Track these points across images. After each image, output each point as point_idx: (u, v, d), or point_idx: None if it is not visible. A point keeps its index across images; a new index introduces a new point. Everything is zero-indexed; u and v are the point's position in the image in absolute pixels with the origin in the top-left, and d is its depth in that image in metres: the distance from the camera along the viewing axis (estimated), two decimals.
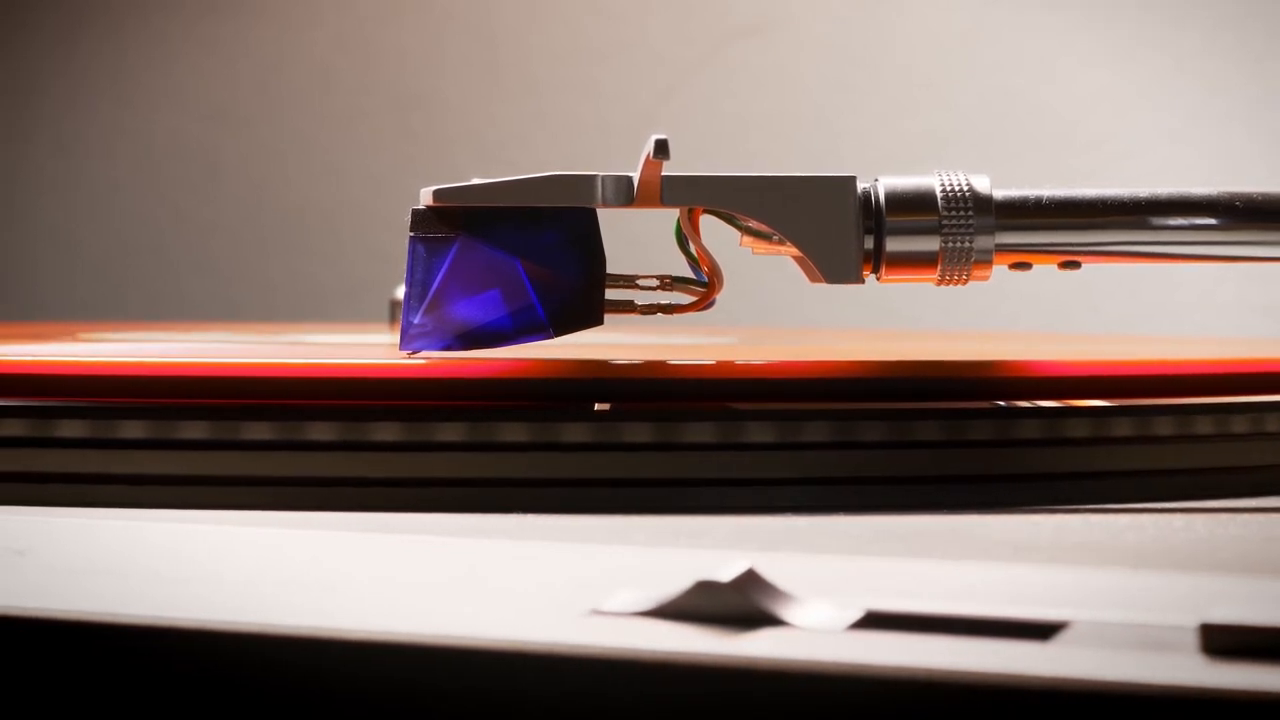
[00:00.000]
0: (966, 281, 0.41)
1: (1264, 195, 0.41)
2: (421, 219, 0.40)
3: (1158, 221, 0.41)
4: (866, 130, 0.93)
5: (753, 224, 0.41)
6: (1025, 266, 0.41)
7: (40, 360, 0.40)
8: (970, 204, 0.40)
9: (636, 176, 0.40)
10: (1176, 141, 0.88)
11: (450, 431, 0.39)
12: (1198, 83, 0.88)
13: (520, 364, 0.40)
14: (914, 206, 0.40)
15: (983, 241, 0.40)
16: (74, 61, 1.06)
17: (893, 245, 0.40)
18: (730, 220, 0.41)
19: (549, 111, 0.98)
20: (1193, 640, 0.26)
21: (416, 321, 0.40)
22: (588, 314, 0.41)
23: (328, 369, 0.39)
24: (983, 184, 0.41)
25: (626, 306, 0.41)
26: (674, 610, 0.28)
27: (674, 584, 0.29)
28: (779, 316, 0.93)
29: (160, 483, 0.39)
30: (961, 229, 0.40)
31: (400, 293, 0.41)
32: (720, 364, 0.41)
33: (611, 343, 0.54)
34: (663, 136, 0.39)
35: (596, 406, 0.40)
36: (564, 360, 0.40)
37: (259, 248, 1.04)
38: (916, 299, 0.91)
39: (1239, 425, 0.42)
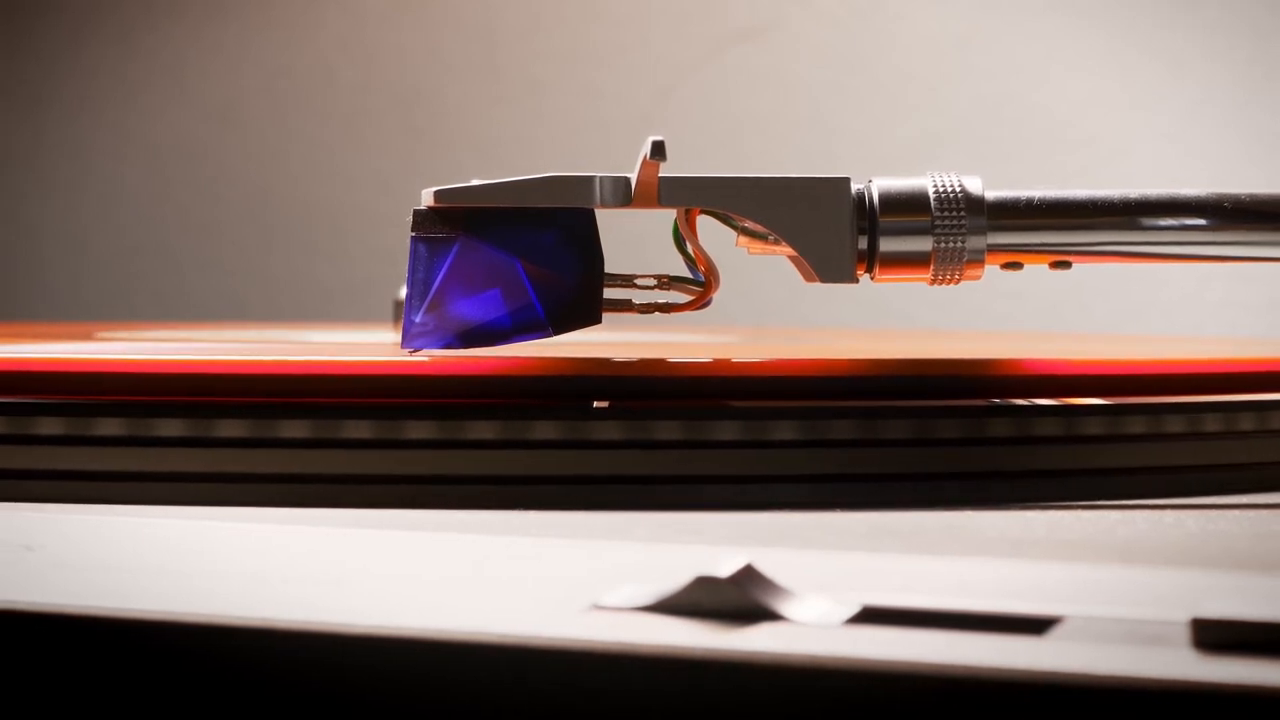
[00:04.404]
0: (959, 281, 0.41)
1: (1252, 196, 0.41)
2: (423, 219, 0.40)
3: (1148, 222, 0.41)
4: (861, 132, 0.93)
5: (749, 224, 0.41)
6: (1017, 266, 0.41)
7: (37, 359, 0.41)
8: (962, 205, 0.41)
9: (634, 178, 0.40)
10: (1168, 142, 0.88)
11: (447, 429, 0.39)
12: (1188, 86, 0.88)
13: (519, 362, 0.40)
14: (907, 207, 0.41)
15: (975, 242, 0.41)
16: (82, 65, 1.06)
17: (886, 245, 0.41)
18: (726, 221, 0.41)
19: (549, 112, 0.98)
20: (1184, 635, 0.27)
21: (418, 320, 0.40)
22: (586, 313, 0.41)
23: (345, 367, 0.40)
24: (975, 185, 0.41)
25: (625, 305, 0.42)
26: (673, 605, 0.28)
27: (673, 579, 0.29)
28: (775, 315, 0.93)
29: (170, 480, 0.39)
30: (954, 229, 0.41)
31: (403, 292, 0.41)
32: (718, 362, 0.41)
33: (610, 341, 0.54)
34: (659, 138, 0.39)
35: (595, 404, 0.40)
36: (563, 359, 0.41)
37: (264, 247, 1.04)
38: (910, 298, 0.91)
39: (1231, 423, 0.43)
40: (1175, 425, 0.42)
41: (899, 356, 0.43)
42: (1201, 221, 0.41)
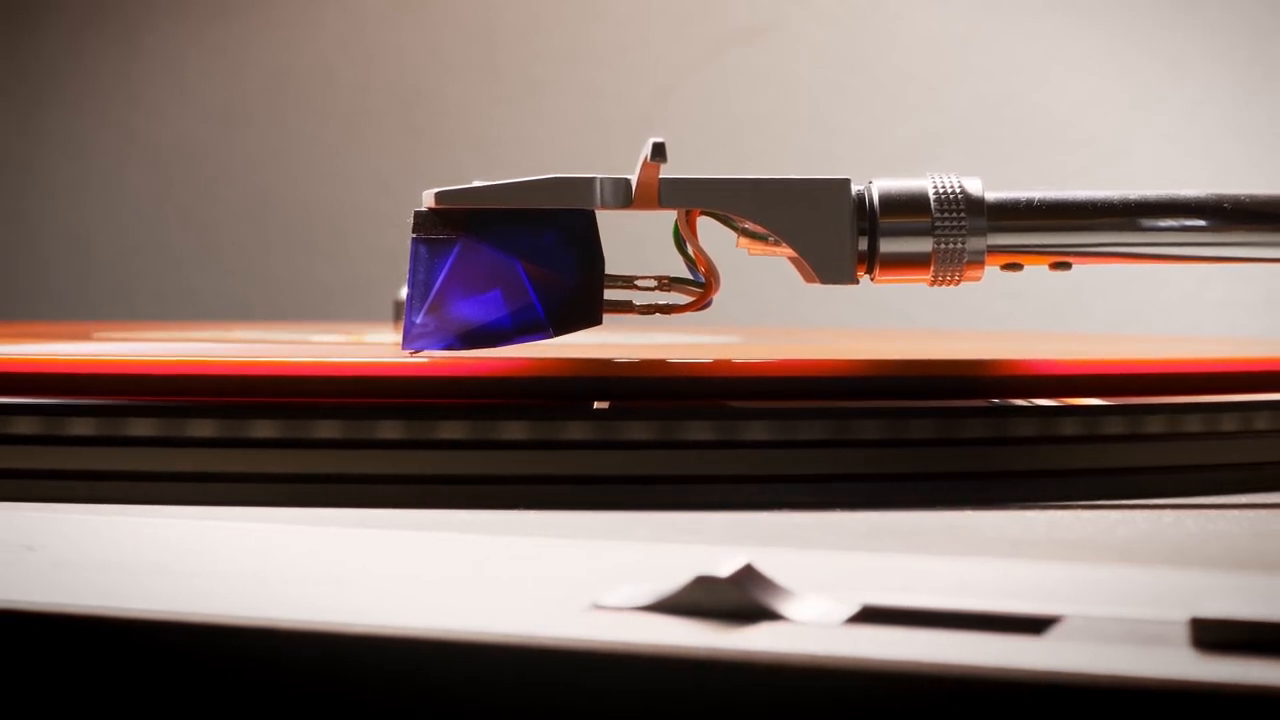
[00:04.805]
0: (959, 282, 0.41)
1: (1251, 197, 0.41)
2: (424, 220, 0.41)
3: (1147, 223, 0.41)
4: (861, 132, 0.93)
5: (749, 225, 0.41)
6: (1016, 267, 0.42)
7: (50, 359, 0.41)
8: (962, 206, 0.41)
9: (635, 179, 0.40)
10: (1168, 142, 0.88)
11: (451, 429, 0.39)
12: (1188, 86, 0.88)
13: (520, 363, 0.40)
14: (907, 208, 0.41)
15: (975, 243, 0.41)
16: (84, 65, 1.06)
17: (886, 246, 0.41)
18: (727, 222, 0.41)
19: (549, 112, 0.98)
20: (1183, 634, 0.27)
21: (419, 321, 0.41)
22: (587, 314, 0.41)
23: (334, 368, 0.40)
24: (975, 186, 0.41)
25: (625, 306, 0.42)
26: (673, 605, 0.28)
27: (673, 579, 0.29)
28: (775, 316, 0.93)
29: (169, 479, 0.39)
30: (954, 230, 0.41)
31: (404, 293, 0.41)
32: (717, 363, 0.41)
33: (610, 342, 0.54)
34: (660, 140, 0.40)
35: (595, 405, 0.40)
36: (563, 359, 0.41)
37: (265, 247, 1.04)
38: (910, 298, 0.91)
39: (1228, 423, 0.43)
40: (1175, 425, 0.42)
41: (899, 357, 0.43)
42: (1201, 222, 0.41)
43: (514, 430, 0.39)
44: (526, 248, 0.41)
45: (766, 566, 0.29)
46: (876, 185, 0.41)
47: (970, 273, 0.41)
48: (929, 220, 0.41)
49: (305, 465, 0.39)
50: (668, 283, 0.42)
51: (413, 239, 0.41)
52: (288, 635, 0.29)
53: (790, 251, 0.41)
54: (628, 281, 0.42)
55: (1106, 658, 0.26)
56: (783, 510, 0.39)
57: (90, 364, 0.40)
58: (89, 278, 1.07)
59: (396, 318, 0.65)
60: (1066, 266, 0.41)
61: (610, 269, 0.41)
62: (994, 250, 0.41)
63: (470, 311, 0.40)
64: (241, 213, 1.04)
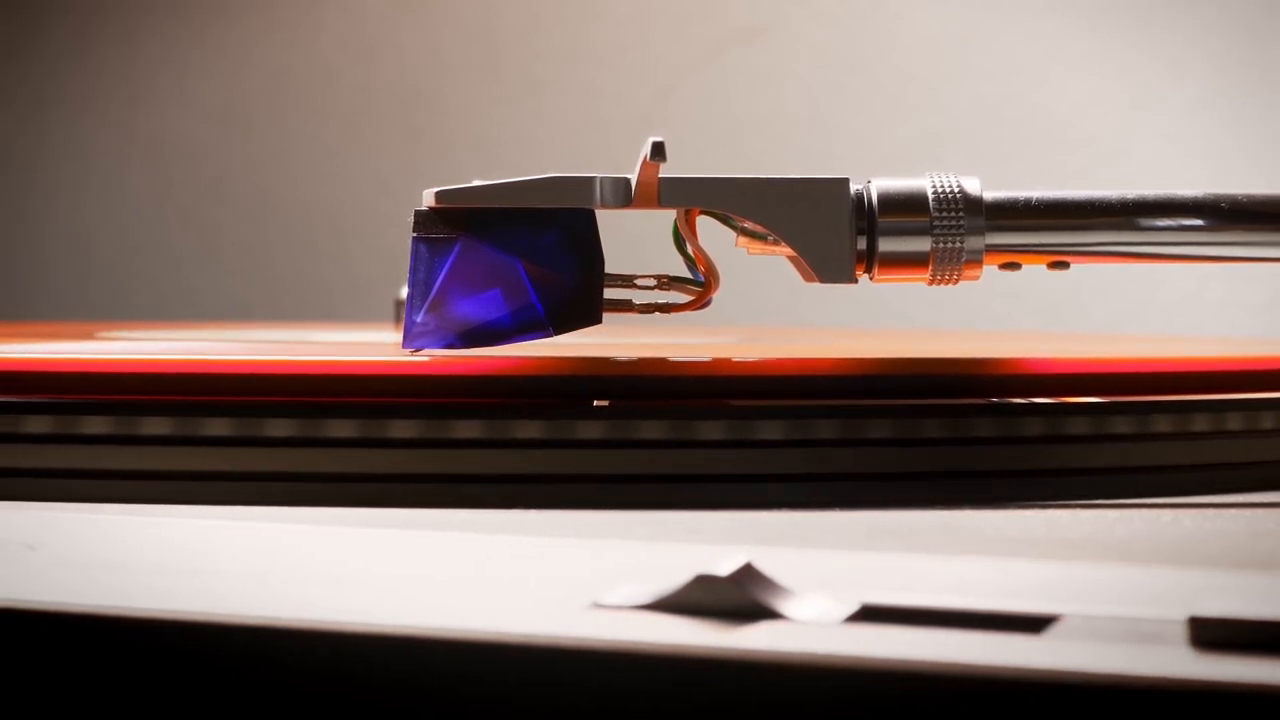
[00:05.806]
0: (957, 281, 0.41)
1: (1249, 197, 0.41)
2: (424, 220, 0.41)
3: (1145, 223, 0.41)
4: (861, 132, 0.93)
5: (748, 224, 0.41)
6: (1015, 266, 0.42)
7: (54, 358, 0.41)
8: (961, 205, 0.41)
9: (634, 178, 0.40)
10: (1168, 142, 0.88)
11: (451, 429, 0.39)
12: (1188, 86, 0.88)
13: (520, 362, 0.40)
14: (906, 208, 0.41)
15: (973, 242, 0.41)
16: (86, 66, 1.06)
17: (885, 246, 0.41)
18: (726, 221, 0.41)
19: (549, 112, 0.98)
20: (1181, 633, 0.27)
21: (419, 320, 0.41)
22: (587, 313, 0.41)
23: (336, 366, 0.40)
24: (973, 186, 0.41)
25: (625, 305, 0.42)
26: (673, 604, 0.28)
27: (673, 578, 0.29)
28: (774, 315, 0.93)
29: (172, 478, 0.39)
30: (952, 230, 0.41)
31: (404, 292, 0.41)
32: (718, 362, 0.42)
33: (610, 341, 0.54)
34: (659, 139, 0.40)
35: (595, 403, 0.40)
36: (563, 358, 0.41)
37: (265, 247, 1.04)
38: (909, 297, 0.91)
39: (1227, 422, 0.43)
40: (1173, 425, 0.42)
41: (897, 356, 0.43)
42: (1198, 222, 0.41)
43: (514, 429, 0.39)
44: (526, 247, 0.41)
45: (766, 566, 0.29)
46: (875, 185, 0.41)
47: (968, 272, 0.41)
48: (927, 220, 0.41)
49: (305, 464, 0.39)
50: (667, 282, 0.42)
51: (413, 238, 0.41)
52: (289, 635, 0.29)
53: (789, 251, 0.41)
54: (627, 281, 0.42)
55: (1105, 657, 0.26)
56: (783, 510, 0.39)
57: (103, 363, 0.40)
58: (89, 278, 1.07)
59: (397, 317, 0.65)
60: (1065, 266, 0.42)
61: (610, 268, 0.41)
62: (992, 249, 0.41)
63: (470, 310, 0.41)
64: (242, 213, 1.04)
